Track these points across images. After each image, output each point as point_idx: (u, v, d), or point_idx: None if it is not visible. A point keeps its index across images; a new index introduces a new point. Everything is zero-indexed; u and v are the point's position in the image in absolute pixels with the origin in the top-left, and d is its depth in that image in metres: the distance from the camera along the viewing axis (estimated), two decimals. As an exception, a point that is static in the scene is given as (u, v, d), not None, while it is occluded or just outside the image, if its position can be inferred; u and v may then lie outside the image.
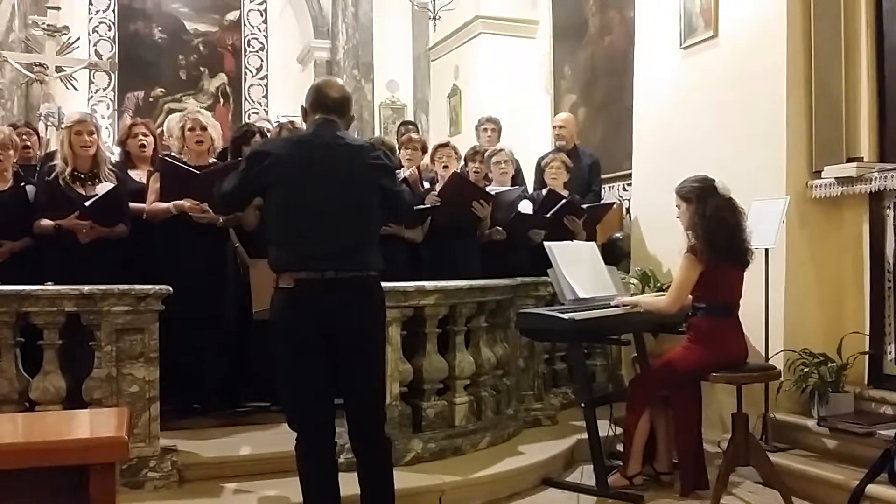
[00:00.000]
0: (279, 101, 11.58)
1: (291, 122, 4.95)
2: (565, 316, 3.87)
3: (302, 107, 3.14)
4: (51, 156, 5.26)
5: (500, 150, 5.55)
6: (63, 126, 4.43)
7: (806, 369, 4.17)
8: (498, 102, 7.94)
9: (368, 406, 3.05)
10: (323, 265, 2.90)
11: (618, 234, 6.15)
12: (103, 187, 4.32)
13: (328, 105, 3.08)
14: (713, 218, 3.77)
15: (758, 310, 4.24)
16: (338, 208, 2.95)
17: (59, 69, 8.14)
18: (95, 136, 4.35)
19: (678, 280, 3.86)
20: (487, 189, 5.18)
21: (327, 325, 2.92)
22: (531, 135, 7.82)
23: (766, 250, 4.22)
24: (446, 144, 5.35)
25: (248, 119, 11.02)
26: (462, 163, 5.43)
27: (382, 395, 3.24)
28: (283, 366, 3.00)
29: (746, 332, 3.97)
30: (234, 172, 3.12)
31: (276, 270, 2.98)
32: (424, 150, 5.67)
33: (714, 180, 3.88)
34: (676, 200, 3.93)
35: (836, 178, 4.27)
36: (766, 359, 4.23)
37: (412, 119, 9.65)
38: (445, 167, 5.17)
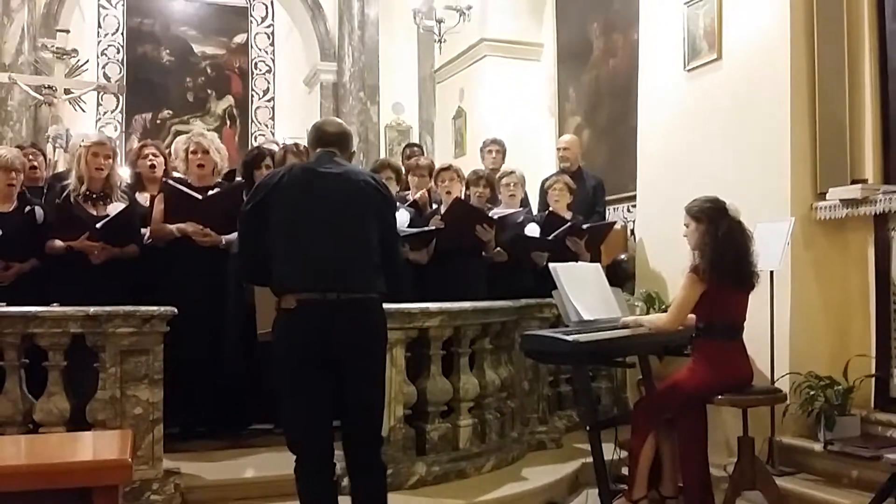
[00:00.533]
0: (286, 124, 11.65)
1: (296, 145, 4.97)
2: (569, 338, 3.85)
3: (305, 147, 3.19)
4: (58, 176, 5.30)
5: (511, 172, 5.55)
6: (81, 144, 4.47)
7: (812, 392, 4.15)
8: (502, 124, 7.96)
9: (366, 429, 3.04)
10: (324, 286, 2.90)
11: (622, 256, 6.15)
12: (114, 207, 4.35)
13: (326, 140, 3.18)
14: (723, 240, 3.75)
15: (763, 332, 4.23)
16: (339, 230, 2.96)
17: (67, 91, 8.18)
18: (111, 160, 4.40)
19: (679, 298, 3.84)
20: (492, 212, 5.19)
21: (328, 347, 2.91)
22: (536, 156, 7.84)
23: (771, 272, 4.21)
24: (448, 168, 5.34)
25: (255, 141, 11.09)
26: (464, 186, 5.43)
27: (381, 418, 3.20)
28: (283, 387, 2.99)
29: (751, 354, 3.95)
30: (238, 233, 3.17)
31: (278, 292, 2.98)
32: (432, 173, 5.68)
33: (725, 202, 3.86)
34: (685, 219, 3.90)
35: (840, 199, 4.27)
36: (772, 381, 4.21)
37: (417, 141, 9.69)
38: (448, 192, 5.16)
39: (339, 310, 2.91)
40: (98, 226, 4.20)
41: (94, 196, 4.37)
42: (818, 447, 4.08)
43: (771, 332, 4.25)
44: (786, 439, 4.26)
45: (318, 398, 2.94)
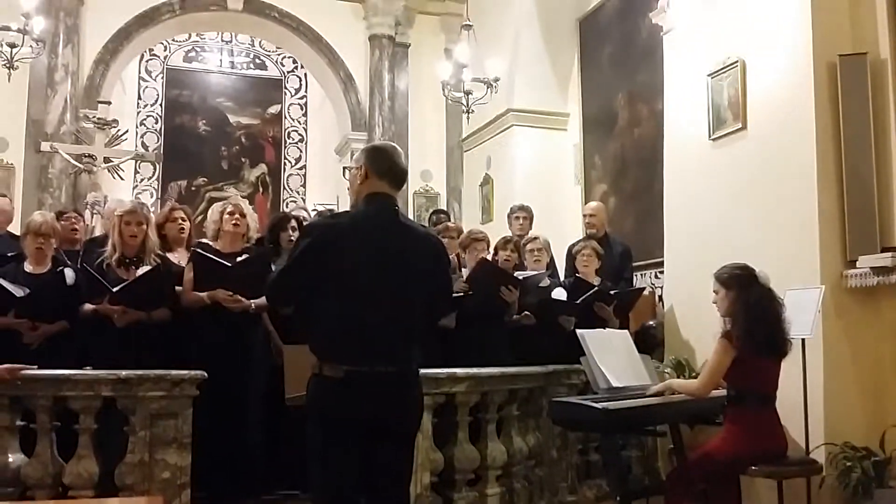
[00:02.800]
0: (316, 191, 11.89)
1: (330, 212, 5.06)
2: (598, 405, 3.81)
3: (363, 167, 2.91)
4: (94, 241, 5.44)
5: (536, 237, 5.58)
6: (115, 213, 4.61)
7: (848, 464, 4.04)
8: (529, 191, 8.02)
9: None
10: (375, 358, 2.79)
11: (651, 322, 6.10)
12: (143, 271, 4.43)
13: (399, 177, 2.95)
14: (755, 308, 3.72)
15: (796, 401, 4.15)
16: (397, 301, 2.84)
17: (107, 160, 8.39)
18: (144, 226, 4.50)
19: (710, 365, 3.81)
20: (514, 274, 5.20)
21: (371, 419, 2.80)
22: (562, 223, 7.88)
23: (803, 340, 4.16)
24: (483, 238, 5.35)
25: (286, 207, 11.28)
26: (492, 251, 5.46)
27: (408, 493, 3.09)
28: (319, 455, 2.84)
29: (785, 423, 3.88)
30: (288, 256, 2.99)
31: (324, 357, 2.83)
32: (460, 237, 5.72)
33: (754, 269, 3.86)
34: (715, 285, 3.90)
35: (871, 267, 4.24)
36: (807, 452, 4.11)
37: (445, 207, 9.81)
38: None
39: (387, 383, 2.80)
40: (115, 289, 4.21)
41: (128, 261, 4.47)
42: (857, 521, 3.96)
43: (804, 402, 4.17)
44: (823, 513, 4.14)
45: (352, 469, 2.82)
